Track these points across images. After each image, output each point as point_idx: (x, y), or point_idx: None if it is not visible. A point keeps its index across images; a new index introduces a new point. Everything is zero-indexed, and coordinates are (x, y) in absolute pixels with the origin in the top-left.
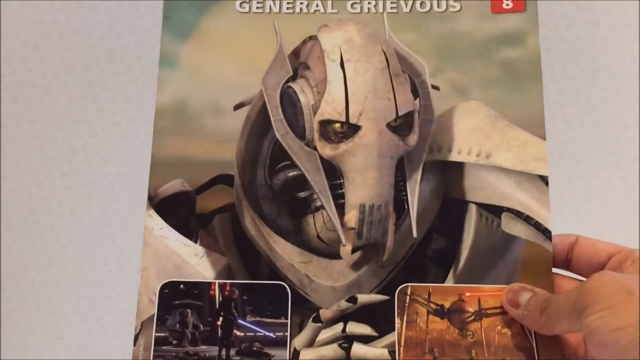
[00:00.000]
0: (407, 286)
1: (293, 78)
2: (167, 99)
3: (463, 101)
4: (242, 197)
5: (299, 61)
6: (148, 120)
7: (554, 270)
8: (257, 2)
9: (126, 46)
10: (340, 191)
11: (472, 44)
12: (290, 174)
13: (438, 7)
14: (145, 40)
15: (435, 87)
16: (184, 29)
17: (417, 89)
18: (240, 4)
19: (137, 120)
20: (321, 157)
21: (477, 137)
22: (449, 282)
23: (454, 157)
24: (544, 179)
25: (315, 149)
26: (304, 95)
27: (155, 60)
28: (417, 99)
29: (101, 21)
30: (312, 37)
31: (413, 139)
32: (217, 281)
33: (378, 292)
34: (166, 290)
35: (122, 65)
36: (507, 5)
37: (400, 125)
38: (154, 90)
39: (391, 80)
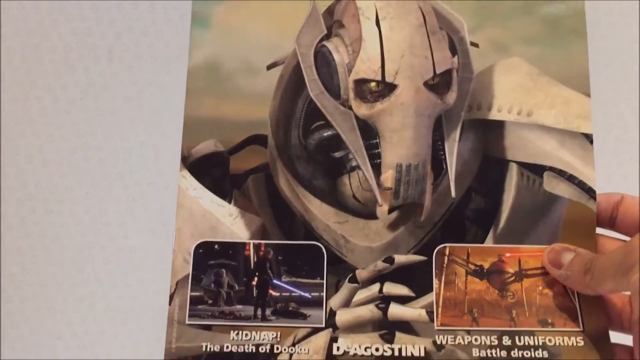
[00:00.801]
0: (445, 247)
1: (327, 37)
2: (199, 59)
3: (503, 58)
4: (276, 157)
5: (333, 20)
6: (181, 80)
7: (597, 230)
8: None
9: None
10: (376, 151)
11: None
12: (325, 134)
13: None
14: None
15: (474, 44)
16: None
17: (455, 46)
18: None
19: (170, 80)
20: (356, 117)
21: (518, 95)
22: (489, 243)
23: (494, 115)
24: (588, 137)
25: (350, 108)
26: (339, 54)
27: (185, 21)
28: (456, 57)
29: None
30: None
31: (451, 97)
32: (251, 241)
33: (415, 253)
34: (200, 251)
35: (150, 26)
36: None
37: (438, 84)
38: (186, 51)
39: (428, 38)
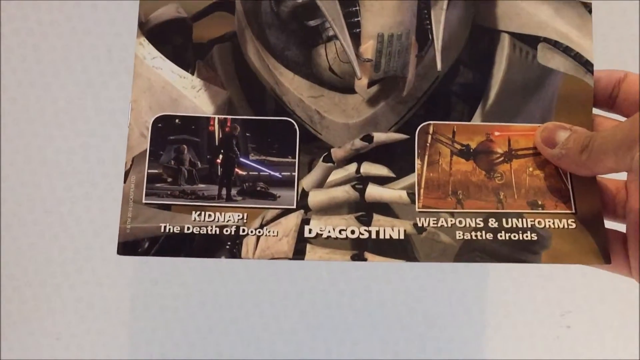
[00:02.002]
0: (429, 124)
1: None
2: None
3: None
4: (245, 25)
5: None
6: None
7: (595, 111)
8: None
9: None
10: (355, 19)
11: None
12: (300, 1)
13: None
14: None
15: None
16: None
17: None
18: None
19: None
20: None
21: None
22: (476, 121)
23: None
24: (587, 6)
25: None
26: None
27: None
28: None
29: None
30: None
31: None
32: (216, 116)
33: (396, 131)
34: (159, 125)
35: None
36: None
37: None
38: None
39: None
